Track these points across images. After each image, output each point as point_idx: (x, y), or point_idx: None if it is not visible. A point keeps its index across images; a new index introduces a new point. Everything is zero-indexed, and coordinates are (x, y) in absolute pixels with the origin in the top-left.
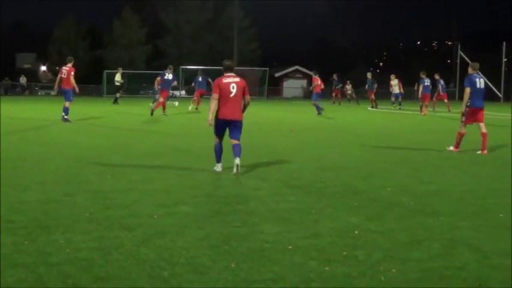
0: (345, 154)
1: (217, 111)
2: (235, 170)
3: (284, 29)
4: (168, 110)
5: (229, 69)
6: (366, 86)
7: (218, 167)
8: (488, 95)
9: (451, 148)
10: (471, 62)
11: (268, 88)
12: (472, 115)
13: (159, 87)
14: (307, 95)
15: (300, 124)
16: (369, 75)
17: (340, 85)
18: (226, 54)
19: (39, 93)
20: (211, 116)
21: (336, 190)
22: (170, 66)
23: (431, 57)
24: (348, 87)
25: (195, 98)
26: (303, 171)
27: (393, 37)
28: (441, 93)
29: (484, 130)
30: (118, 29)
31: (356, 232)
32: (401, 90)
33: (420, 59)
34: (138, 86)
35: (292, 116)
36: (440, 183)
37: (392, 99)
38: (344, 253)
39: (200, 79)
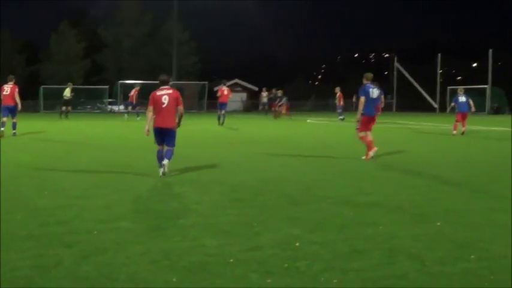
0: (285, 166)
1: (154, 121)
2: (162, 170)
3: (223, 43)
4: (113, 123)
5: (164, 83)
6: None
7: (161, 171)
8: (424, 106)
9: (364, 157)
10: (407, 73)
11: (207, 102)
12: (367, 123)
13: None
14: (247, 108)
15: (240, 137)
16: (279, 92)
17: (284, 99)
18: (166, 68)
19: None
20: (147, 127)
21: (277, 202)
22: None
23: (369, 70)
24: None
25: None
26: (244, 184)
27: (331, 50)
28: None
29: (370, 138)
30: (55, 43)
31: (297, 244)
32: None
33: (358, 71)
34: (76, 101)
35: (232, 129)
36: (379, 194)
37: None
38: (285, 265)
39: None
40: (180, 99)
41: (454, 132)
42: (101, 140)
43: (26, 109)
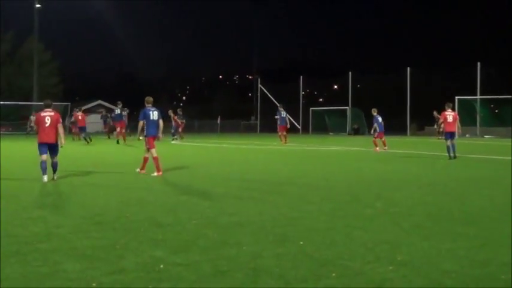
0: (148, 188)
1: (39, 137)
2: (54, 177)
3: (86, 63)
4: None
5: (47, 106)
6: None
7: (44, 178)
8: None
9: (154, 174)
10: (270, 94)
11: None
12: (151, 141)
13: None
14: (111, 129)
15: (103, 159)
16: (179, 110)
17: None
18: (26, 89)
19: None
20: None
21: (140, 224)
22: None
23: (233, 91)
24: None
25: None
26: (106, 207)
27: (195, 71)
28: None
29: (155, 155)
30: None
31: (161, 266)
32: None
33: (222, 92)
34: None
35: (95, 151)
36: (242, 214)
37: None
38: (149, 287)
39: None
40: (60, 120)
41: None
42: None
43: None
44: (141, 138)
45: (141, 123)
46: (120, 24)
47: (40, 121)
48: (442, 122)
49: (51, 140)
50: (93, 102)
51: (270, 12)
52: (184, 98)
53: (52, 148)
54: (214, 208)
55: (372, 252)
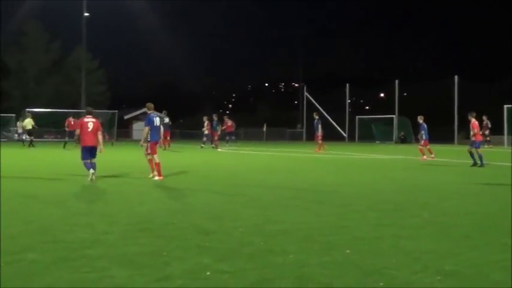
0: (193, 195)
1: (82, 141)
2: (90, 177)
3: (133, 72)
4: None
5: (88, 113)
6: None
7: (90, 171)
8: (333, 135)
9: (156, 178)
10: (316, 103)
11: (117, 130)
12: (153, 147)
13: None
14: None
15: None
16: (214, 116)
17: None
18: (74, 97)
19: None
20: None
21: (186, 231)
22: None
23: (279, 99)
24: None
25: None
26: (153, 214)
27: (242, 79)
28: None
29: (157, 160)
30: None
31: (208, 273)
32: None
33: (268, 101)
34: None
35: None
36: (288, 222)
37: (227, 137)
38: None
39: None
40: (101, 126)
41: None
42: (7, 168)
43: None
44: (144, 144)
45: (146, 129)
46: (166, 33)
47: (83, 126)
48: (476, 130)
49: (93, 144)
50: (140, 109)
51: (315, 20)
52: (230, 106)
53: (93, 151)
54: (260, 216)
55: (419, 262)
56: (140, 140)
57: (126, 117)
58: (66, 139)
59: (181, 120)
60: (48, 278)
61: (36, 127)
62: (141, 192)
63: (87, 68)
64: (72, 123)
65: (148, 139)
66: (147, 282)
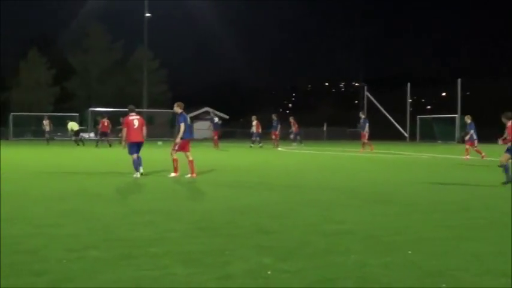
0: (254, 194)
1: (128, 137)
2: (139, 175)
3: (193, 71)
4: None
5: (132, 111)
6: (272, 128)
7: (137, 174)
8: (394, 135)
9: (172, 174)
10: (379, 104)
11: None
12: (185, 145)
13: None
14: (218, 136)
15: (209, 165)
16: (274, 116)
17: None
18: (135, 96)
19: None
20: (123, 143)
21: (247, 231)
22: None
23: (339, 98)
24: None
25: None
26: (214, 213)
27: (302, 78)
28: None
29: (190, 158)
30: (24, 70)
31: (269, 272)
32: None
33: (328, 100)
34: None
35: (203, 157)
36: (348, 222)
37: (292, 136)
38: None
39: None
40: (145, 123)
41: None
42: (71, 168)
43: None
44: (177, 142)
45: (182, 126)
46: (227, 32)
47: (129, 124)
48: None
49: (140, 139)
50: (200, 109)
51: (377, 19)
52: (290, 105)
53: (140, 146)
54: (320, 215)
55: (483, 264)
56: (176, 139)
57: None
58: (98, 138)
59: (241, 119)
60: (111, 275)
61: (81, 127)
62: (201, 191)
63: (149, 68)
64: (106, 124)
65: (181, 137)
66: (208, 280)
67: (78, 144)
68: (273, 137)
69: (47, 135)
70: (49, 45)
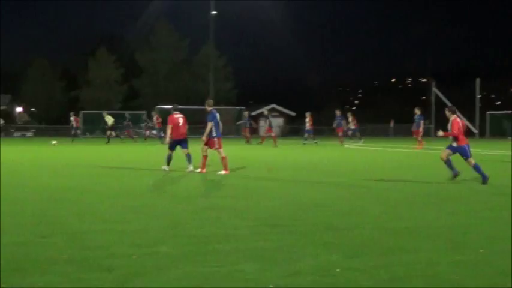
0: (321, 191)
1: (173, 135)
2: (191, 169)
3: (259, 68)
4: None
5: (176, 110)
6: (334, 124)
7: (166, 168)
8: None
9: (222, 172)
10: (448, 100)
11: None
12: (212, 143)
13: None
14: (285, 133)
15: (277, 162)
16: (337, 112)
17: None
18: (202, 94)
19: (15, 134)
20: (168, 139)
21: (315, 228)
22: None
23: (406, 94)
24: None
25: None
26: (281, 209)
27: (368, 75)
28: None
29: (223, 155)
30: (93, 69)
31: (337, 270)
32: (350, 125)
33: (395, 96)
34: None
35: (270, 154)
36: (418, 219)
37: (350, 133)
38: None
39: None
40: (186, 120)
41: None
42: (139, 164)
43: (65, 134)
44: (204, 139)
45: (210, 124)
46: (292, 29)
47: (174, 122)
48: None
49: (184, 136)
50: (266, 106)
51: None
52: (356, 101)
53: (185, 142)
54: (389, 213)
55: None
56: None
57: (253, 113)
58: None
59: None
60: (180, 271)
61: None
62: (266, 188)
63: (215, 65)
64: (160, 120)
65: (214, 134)
66: (277, 277)
67: (107, 142)
68: (339, 134)
69: (73, 132)
70: (116, 43)
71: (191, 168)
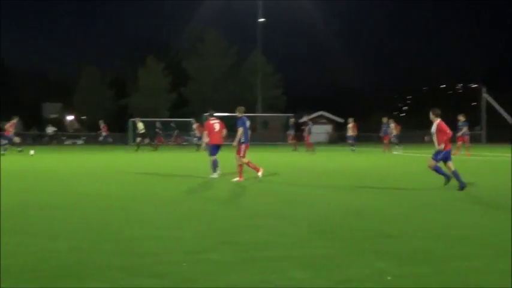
0: (369, 198)
1: (210, 140)
2: (216, 175)
3: (307, 74)
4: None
5: (212, 116)
6: (381, 132)
7: (214, 175)
8: None
9: (236, 179)
10: (496, 104)
11: (294, 133)
12: (245, 149)
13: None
14: (333, 140)
15: (325, 169)
16: (384, 119)
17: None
18: (249, 101)
19: (66, 142)
20: (203, 145)
21: (364, 235)
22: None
23: (456, 100)
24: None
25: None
26: (329, 216)
27: (417, 80)
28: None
29: (242, 162)
30: (143, 77)
31: (388, 278)
32: (395, 132)
33: (444, 102)
34: (165, 133)
35: (319, 160)
36: (469, 227)
37: (394, 139)
38: None
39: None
40: (223, 125)
41: None
42: (185, 171)
43: (114, 141)
44: (235, 145)
45: (240, 130)
46: (340, 36)
47: (210, 127)
48: None
49: (220, 142)
50: (314, 113)
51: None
52: (404, 108)
53: (219, 148)
54: (439, 220)
55: None
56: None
57: (301, 120)
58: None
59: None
60: (231, 279)
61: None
62: (313, 195)
63: (263, 72)
64: (199, 127)
65: (242, 140)
66: (327, 284)
67: (136, 150)
68: (384, 141)
69: (100, 139)
70: (164, 51)
71: (214, 175)
